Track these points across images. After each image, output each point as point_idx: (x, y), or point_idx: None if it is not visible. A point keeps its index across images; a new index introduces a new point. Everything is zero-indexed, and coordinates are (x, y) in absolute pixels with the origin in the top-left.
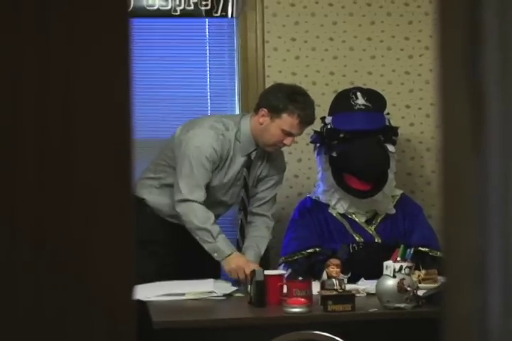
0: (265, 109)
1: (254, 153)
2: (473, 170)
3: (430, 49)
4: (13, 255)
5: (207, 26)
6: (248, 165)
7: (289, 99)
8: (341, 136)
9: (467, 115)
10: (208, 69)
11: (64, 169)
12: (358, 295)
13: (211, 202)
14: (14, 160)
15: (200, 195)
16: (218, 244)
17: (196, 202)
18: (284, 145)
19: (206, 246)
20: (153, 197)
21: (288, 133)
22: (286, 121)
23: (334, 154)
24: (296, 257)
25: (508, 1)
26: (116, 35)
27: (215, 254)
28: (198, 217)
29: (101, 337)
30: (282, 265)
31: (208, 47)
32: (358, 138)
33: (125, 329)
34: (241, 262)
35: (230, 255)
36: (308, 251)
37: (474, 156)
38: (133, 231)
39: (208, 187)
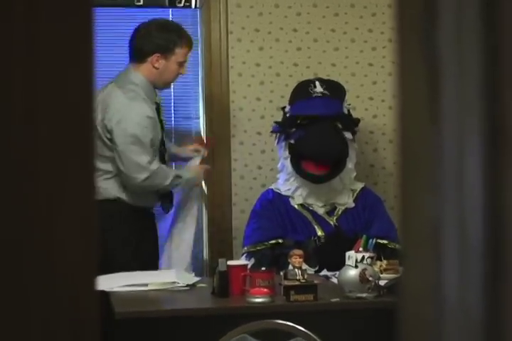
0: (157, 54)
1: (157, 97)
2: (430, 140)
3: (393, 41)
4: None
5: (170, 16)
6: (158, 110)
7: (171, 34)
8: (299, 121)
9: (424, 85)
10: None
11: (26, 149)
12: (331, 280)
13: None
14: None
15: (157, 163)
16: (184, 177)
17: (156, 169)
18: (181, 74)
19: (180, 187)
20: (123, 193)
21: (182, 63)
22: (180, 53)
23: (292, 141)
24: (259, 248)
25: None
26: (78, 23)
27: (185, 183)
28: (162, 177)
29: (64, 325)
30: (245, 255)
31: None
32: (314, 123)
33: (88, 318)
34: (196, 168)
35: (190, 173)
36: (271, 242)
37: (430, 126)
38: (96, 220)
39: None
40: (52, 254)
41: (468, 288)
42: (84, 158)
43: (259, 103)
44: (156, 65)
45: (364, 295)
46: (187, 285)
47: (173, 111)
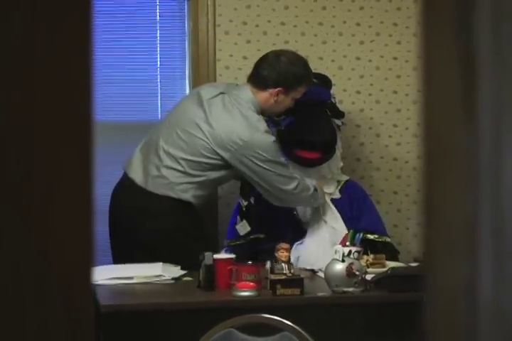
0: (281, 88)
1: None
2: (465, 139)
3: (381, 35)
4: None
5: (157, 8)
6: None
7: (302, 71)
8: (288, 108)
9: (457, 79)
10: (159, 51)
11: (24, 145)
12: (318, 274)
13: None
14: None
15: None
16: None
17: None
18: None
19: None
20: (195, 197)
21: (296, 99)
22: (301, 91)
23: (282, 127)
24: (238, 242)
25: None
26: (76, 15)
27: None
28: (306, 187)
29: (60, 324)
30: (225, 249)
31: (158, 29)
32: (304, 109)
33: (84, 316)
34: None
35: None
36: (252, 237)
37: (465, 124)
38: (93, 209)
39: None
40: (50, 254)
41: (504, 287)
42: (82, 156)
43: None
44: (275, 98)
45: (350, 289)
46: (172, 279)
47: (159, 105)
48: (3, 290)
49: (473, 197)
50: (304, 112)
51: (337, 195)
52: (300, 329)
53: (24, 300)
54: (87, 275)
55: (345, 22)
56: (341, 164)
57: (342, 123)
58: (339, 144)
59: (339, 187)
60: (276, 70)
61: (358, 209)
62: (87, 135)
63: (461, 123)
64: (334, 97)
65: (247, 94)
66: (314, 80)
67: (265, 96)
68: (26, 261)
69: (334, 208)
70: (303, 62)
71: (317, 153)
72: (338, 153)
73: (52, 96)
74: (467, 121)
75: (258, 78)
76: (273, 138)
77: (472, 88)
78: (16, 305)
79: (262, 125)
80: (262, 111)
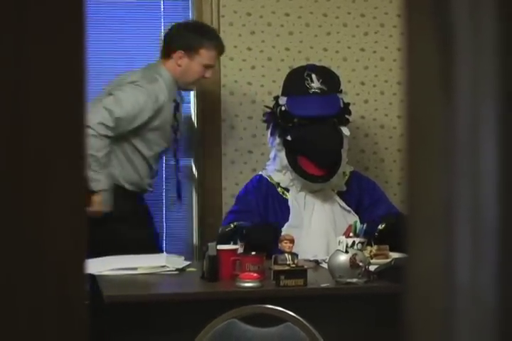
0: (181, 51)
1: (178, 96)
2: (443, 122)
3: (385, 26)
4: None
5: None
6: (176, 109)
7: (200, 34)
8: (295, 120)
9: (435, 59)
10: None
11: (17, 137)
12: (321, 265)
13: (155, 160)
14: None
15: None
16: (101, 176)
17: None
18: (205, 78)
19: (89, 173)
20: (116, 168)
21: (208, 66)
22: (206, 55)
23: (289, 138)
24: (227, 229)
25: None
26: (70, 9)
27: (93, 184)
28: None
29: (52, 313)
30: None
31: (162, 20)
32: (313, 123)
33: (76, 305)
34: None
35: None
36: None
37: (444, 107)
38: (84, 198)
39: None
40: (43, 243)
41: (480, 268)
42: (73, 146)
43: (250, 87)
44: (179, 62)
45: (354, 280)
46: (176, 270)
47: None
48: None
49: (450, 180)
50: (312, 128)
51: (343, 188)
52: (303, 320)
53: (16, 289)
54: (79, 264)
55: (349, 13)
56: (346, 160)
57: (348, 122)
58: (346, 146)
59: (345, 179)
60: (175, 36)
61: (370, 198)
62: (79, 128)
63: (439, 103)
64: (341, 91)
65: (156, 66)
66: (323, 87)
67: (172, 63)
68: (19, 249)
69: (341, 201)
70: (204, 28)
71: (323, 169)
72: (344, 154)
73: (44, 92)
74: (445, 101)
75: (163, 48)
76: (145, 97)
77: (450, 69)
78: (8, 294)
79: (154, 86)
80: (177, 83)
